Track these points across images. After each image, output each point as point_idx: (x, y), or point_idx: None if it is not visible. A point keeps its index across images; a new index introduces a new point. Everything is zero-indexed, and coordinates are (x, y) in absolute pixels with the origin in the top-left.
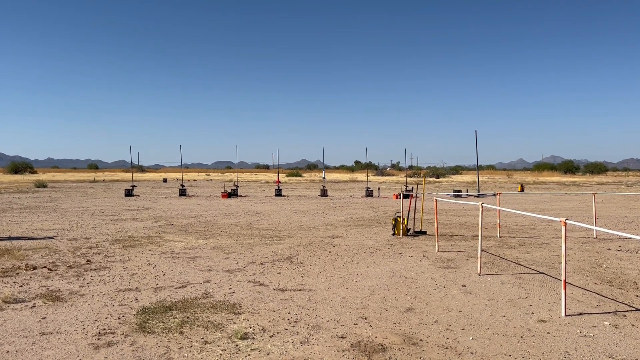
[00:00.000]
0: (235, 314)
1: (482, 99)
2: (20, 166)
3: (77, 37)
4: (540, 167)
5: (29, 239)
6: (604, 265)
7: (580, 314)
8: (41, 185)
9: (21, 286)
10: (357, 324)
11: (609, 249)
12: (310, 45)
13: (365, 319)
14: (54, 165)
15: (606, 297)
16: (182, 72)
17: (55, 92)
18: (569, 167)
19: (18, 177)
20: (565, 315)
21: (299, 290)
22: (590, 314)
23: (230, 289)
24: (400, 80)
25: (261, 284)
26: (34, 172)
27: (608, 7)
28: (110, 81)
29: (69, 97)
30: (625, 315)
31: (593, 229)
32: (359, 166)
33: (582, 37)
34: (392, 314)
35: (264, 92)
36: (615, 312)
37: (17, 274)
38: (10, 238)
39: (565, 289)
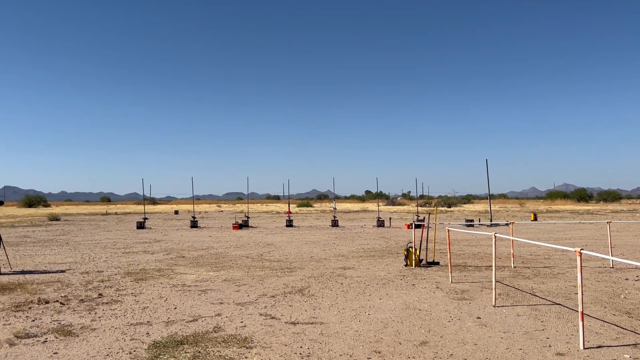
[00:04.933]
0: (247, 348)
1: (493, 128)
2: (34, 200)
3: (88, 73)
4: (553, 195)
5: (41, 272)
6: (622, 296)
7: (599, 346)
8: (54, 218)
9: (33, 320)
10: (370, 358)
11: (627, 279)
12: (320, 77)
13: (379, 352)
14: (67, 198)
15: (625, 328)
16: (193, 105)
17: (68, 126)
18: (582, 195)
19: (32, 210)
20: (584, 348)
21: (311, 323)
22: (610, 346)
23: (241, 322)
24: (410, 108)
25: (273, 317)
26: (48, 206)
27: (622, 33)
28: (123, 115)
29: (82, 131)
30: None
31: (609, 259)
32: (369, 196)
33: (592, 65)
34: (406, 347)
35: (274, 123)
36: (635, 345)
37: (30, 308)
38: (23, 272)
39: (582, 320)
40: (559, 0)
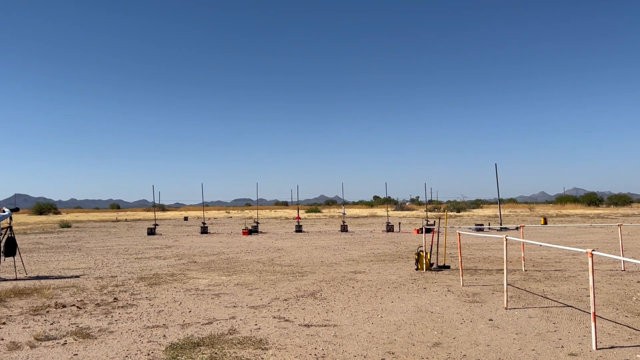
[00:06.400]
0: (262, 349)
1: (502, 132)
2: (44, 207)
3: (98, 81)
4: (563, 199)
5: (56, 278)
6: (634, 298)
7: (612, 347)
8: (65, 225)
9: (52, 324)
10: (384, 359)
11: (638, 281)
12: (328, 83)
13: (393, 354)
14: (77, 205)
15: (638, 330)
16: (202, 112)
17: (77, 134)
18: (593, 199)
19: (43, 218)
20: (597, 349)
21: (324, 325)
22: (622, 347)
23: (255, 324)
24: (419, 113)
25: (286, 320)
26: (58, 213)
27: (633, 35)
28: (132, 123)
29: (91, 139)
30: None
31: (621, 261)
32: (378, 201)
33: (601, 69)
34: (419, 348)
35: (282, 130)
36: None
37: (48, 312)
38: (38, 277)
39: (595, 321)
40: (570, 2)
